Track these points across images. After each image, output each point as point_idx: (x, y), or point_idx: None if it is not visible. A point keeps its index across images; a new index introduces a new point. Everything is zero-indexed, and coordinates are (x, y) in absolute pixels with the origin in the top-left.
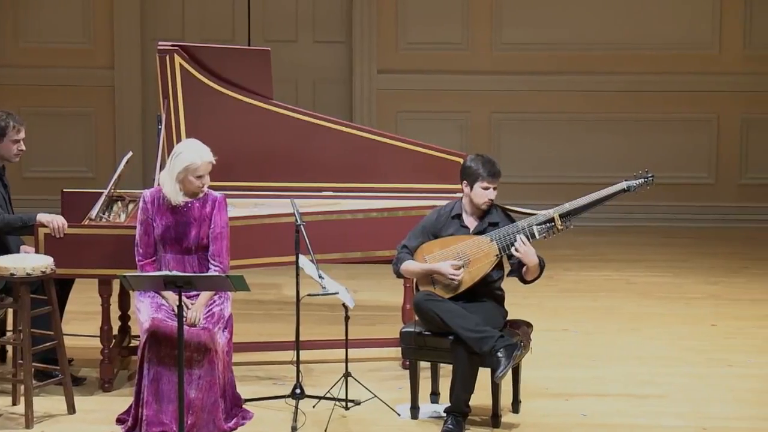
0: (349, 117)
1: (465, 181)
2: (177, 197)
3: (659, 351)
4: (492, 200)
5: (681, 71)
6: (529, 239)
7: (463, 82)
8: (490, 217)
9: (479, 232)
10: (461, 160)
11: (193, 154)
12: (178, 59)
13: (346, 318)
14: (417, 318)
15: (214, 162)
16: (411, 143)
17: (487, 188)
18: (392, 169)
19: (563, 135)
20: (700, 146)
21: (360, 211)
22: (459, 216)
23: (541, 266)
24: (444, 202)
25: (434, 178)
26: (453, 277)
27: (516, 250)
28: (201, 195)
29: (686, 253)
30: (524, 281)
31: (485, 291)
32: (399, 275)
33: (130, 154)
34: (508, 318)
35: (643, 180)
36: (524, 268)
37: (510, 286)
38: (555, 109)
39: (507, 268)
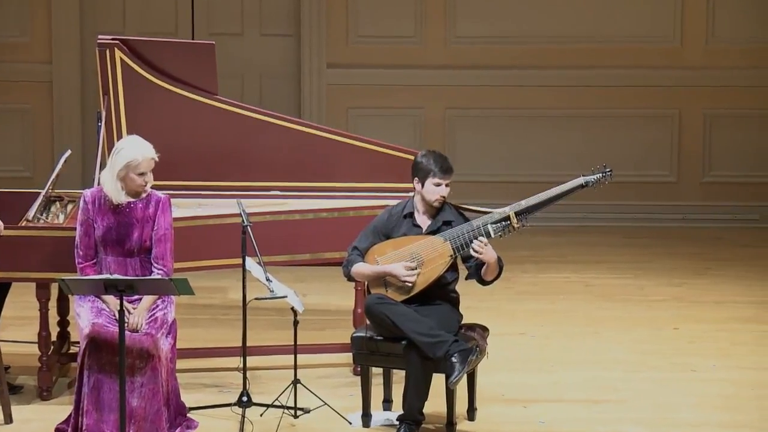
0: (298, 113)
1: (416, 178)
2: (119, 196)
3: (620, 355)
4: (444, 197)
5: (642, 65)
6: (484, 238)
7: (417, 77)
8: (443, 216)
9: (432, 231)
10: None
11: (134, 150)
12: (118, 53)
13: (295, 323)
14: (368, 322)
15: (157, 159)
16: (362, 141)
17: (439, 185)
18: (343, 167)
19: (520, 132)
20: (661, 143)
21: (309, 211)
22: (411, 215)
23: (500, 265)
24: (396, 202)
25: (386, 177)
26: (406, 279)
27: (475, 251)
28: (144, 195)
29: (648, 253)
30: (483, 282)
31: (439, 293)
32: (350, 278)
33: (69, 152)
34: (463, 322)
35: (600, 175)
36: (484, 268)
37: (465, 288)
38: (512, 104)
39: (462, 269)
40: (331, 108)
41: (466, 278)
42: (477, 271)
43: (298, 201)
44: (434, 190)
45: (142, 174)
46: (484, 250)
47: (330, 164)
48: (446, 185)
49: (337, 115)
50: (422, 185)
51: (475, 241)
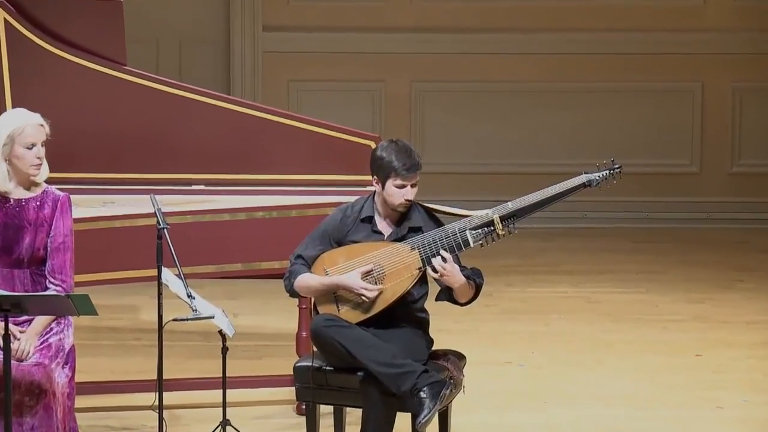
0: (227, 88)
1: (375, 177)
2: (5, 184)
3: (629, 389)
4: (410, 201)
5: (655, 28)
6: (461, 247)
7: (375, 42)
8: (410, 221)
9: (397, 239)
10: (373, 145)
11: (15, 117)
12: (2, 14)
13: (224, 350)
14: (315, 349)
15: (48, 130)
16: (308, 122)
17: (402, 186)
18: (283, 155)
19: (505, 111)
20: (679, 124)
21: (242, 210)
22: (370, 219)
23: (476, 284)
24: (352, 198)
25: (338, 168)
26: (363, 293)
27: (434, 269)
28: (39, 189)
29: (663, 262)
30: (457, 303)
31: (404, 314)
32: (292, 293)
33: None
34: (434, 348)
35: (608, 172)
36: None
37: (437, 306)
38: (494, 76)
39: (433, 284)
40: (268, 81)
41: (437, 299)
42: (449, 290)
43: (227, 197)
44: (397, 193)
45: (31, 147)
46: (445, 270)
47: (267, 152)
48: (412, 186)
49: (276, 90)
50: (382, 186)
51: (434, 258)
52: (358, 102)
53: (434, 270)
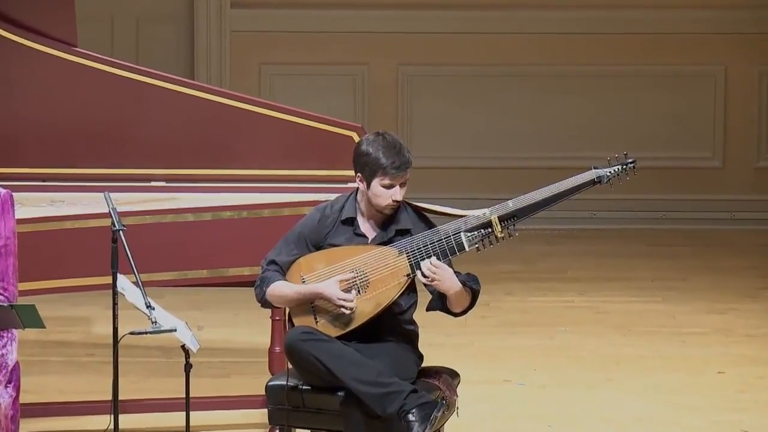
0: (190, 72)
1: (359, 174)
2: None
3: (643, 410)
4: (398, 201)
5: (672, 4)
6: (455, 251)
7: (358, 21)
8: (397, 223)
9: (383, 243)
10: (355, 136)
11: None
12: None
13: (187, 367)
14: (291, 366)
15: None
16: (282, 111)
17: (390, 186)
18: (254, 148)
19: (504, 98)
20: (700, 113)
21: (207, 209)
22: (352, 220)
23: (473, 291)
24: (332, 196)
25: (316, 162)
26: (344, 303)
27: (424, 276)
28: None
29: (681, 267)
30: (451, 313)
31: (391, 326)
32: (264, 303)
33: None
34: (424, 365)
35: (620, 167)
36: (447, 297)
37: (426, 318)
38: (492, 59)
39: (423, 293)
40: (237, 64)
41: (428, 308)
42: (441, 298)
43: (191, 195)
44: (384, 193)
45: None
46: (436, 275)
47: (236, 144)
48: (401, 185)
49: (246, 75)
50: (367, 185)
51: (424, 262)
52: (338, 88)
53: (424, 275)
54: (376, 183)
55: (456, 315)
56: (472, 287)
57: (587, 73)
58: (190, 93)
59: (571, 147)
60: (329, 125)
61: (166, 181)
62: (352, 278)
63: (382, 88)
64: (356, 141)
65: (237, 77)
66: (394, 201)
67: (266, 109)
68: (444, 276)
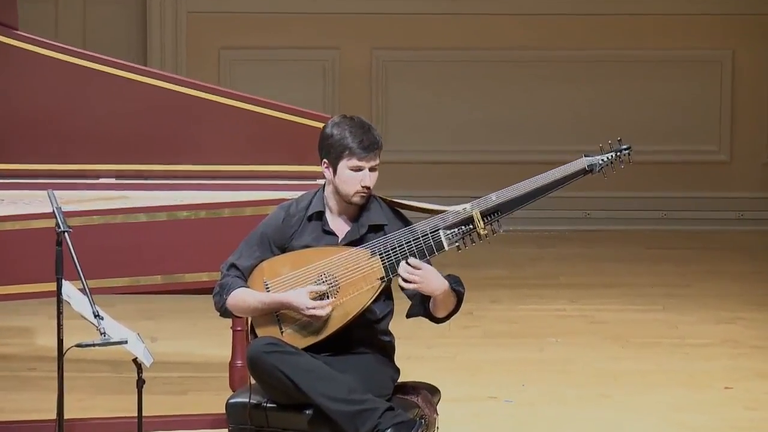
0: (143, 57)
1: (325, 161)
2: None
3: (643, 430)
4: (369, 188)
5: None
6: (434, 251)
7: (328, 0)
8: (369, 217)
9: (354, 242)
10: None
11: None
12: None
13: (140, 382)
14: (254, 381)
15: None
16: (244, 100)
17: (359, 168)
18: (213, 142)
19: (489, 85)
20: (706, 102)
21: (162, 209)
22: (320, 215)
23: (457, 292)
24: (298, 194)
25: (282, 157)
26: (313, 312)
27: (403, 280)
28: None
29: (685, 272)
30: (434, 319)
31: (364, 336)
32: (224, 312)
33: None
34: (401, 380)
35: (613, 154)
36: (431, 300)
37: (404, 328)
38: (476, 42)
39: (400, 298)
40: (194, 49)
41: (408, 315)
42: (423, 303)
43: (144, 194)
44: (352, 177)
45: None
46: (417, 277)
47: (193, 137)
48: (371, 169)
49: (204, 60)
50: (334, 171)
51: (404, 262)
52: (306, 75)
53: (404, 280)
54: (343, 166)
55: (439, 321)
56: (456, 289)
57: (582, 58)
58: (143, 80)
59: (565, 140)
60: (296, 116)
61: (116, 177)
62: (323, 291)
63: (354, 74)
64: None
65: (194, 63)
66: (363, 187)
67: (226, 98)
68: (427, 276)
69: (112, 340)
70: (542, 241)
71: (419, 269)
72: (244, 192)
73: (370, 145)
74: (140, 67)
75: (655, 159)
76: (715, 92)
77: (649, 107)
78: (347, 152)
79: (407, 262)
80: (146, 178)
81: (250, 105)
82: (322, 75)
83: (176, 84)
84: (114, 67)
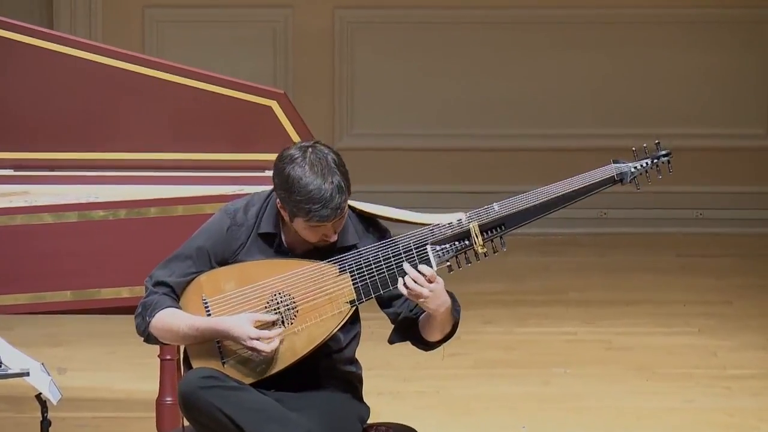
0: (49, 19)
1: (278, 201)
2: None
3: None
4: (333, 234)
5: None
6: None
7: None
8: (338, 239)
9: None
10: (275, 106)
11: None
12: None
13: (45, 423)
14: (187, 423)
15: None
16: (175, 72)
17: (317, 227)
18: (137, 124)
19: (481, 54)
20: (747, 74)
21: (72, 207)
22: (273, 237)
23: (456, 310)
24: (246, 189)
25: (223, 143)
26: (254, 345)
27: (405, 285)
28: None
29: (724, 287)
30: (423, 344)
31: (325, 367)
32: (149, 338)
33: None
34: (371, 420)
35: (649, 161)
36: (424, 318)
37: (373, 357)
38: (462, 1)
39: (372, 320)
40: (111, 9)
41: (392, 340)
42: (412, 324)
43: (49, 188)
44: (313, 230)
45: None
46: (426, 289)
47: (112, 118)
48: (333, 224)
49: (125, 23)
50: (290, 219)
51: (410, 268)
52: (252, 40)
53: (406, 286)
54: (300, 222)
55: (432, 346)
56: (455, 305)
57: (596, 18)
58: (48, 47)
59: (575, 121)
60: (240, 91)
61: (15, 168)
62: (271, 320)
63: (311, 40)
64: (276, 113)
65: (112, 26)
66: (324, 237)
67: (152, 69)
68: (438, 291)
69: (10, 372)
70: (548, 247)
71: (433, 282)
72: (176, 187)
73: (329, 215)
74: (45, 31)
75: (688, 145)
76: (762, 61)
77: (678, 80)
78: (305, 216)
79: (417, 270)
80: (53, 169)
81: (182, 78)
82: (271, 41)
83: (90, 52)
84: (12, 31)
